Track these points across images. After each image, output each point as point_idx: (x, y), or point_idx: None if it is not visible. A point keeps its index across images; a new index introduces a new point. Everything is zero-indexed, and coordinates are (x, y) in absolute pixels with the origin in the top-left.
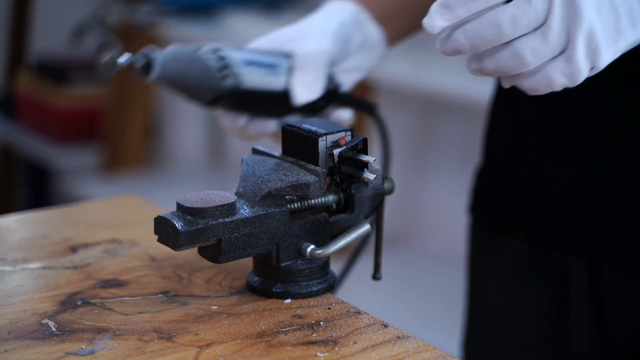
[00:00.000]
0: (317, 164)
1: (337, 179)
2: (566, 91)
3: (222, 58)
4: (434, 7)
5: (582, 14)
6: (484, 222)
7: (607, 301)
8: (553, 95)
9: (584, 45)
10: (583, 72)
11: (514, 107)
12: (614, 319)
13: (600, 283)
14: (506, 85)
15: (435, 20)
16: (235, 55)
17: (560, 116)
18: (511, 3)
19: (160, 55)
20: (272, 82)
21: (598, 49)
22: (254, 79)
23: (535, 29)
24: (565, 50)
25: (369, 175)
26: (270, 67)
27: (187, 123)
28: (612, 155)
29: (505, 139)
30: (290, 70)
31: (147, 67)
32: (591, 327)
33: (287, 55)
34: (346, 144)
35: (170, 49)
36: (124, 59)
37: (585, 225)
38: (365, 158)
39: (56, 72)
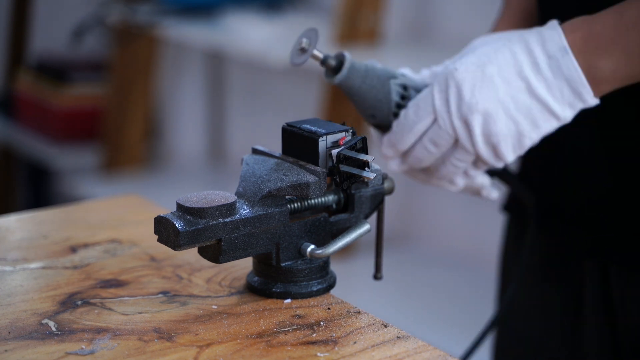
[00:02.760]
0: (317, 164)
1: (337, 179)
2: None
3: (404, 97)
4: (384, 142)
5: (474, 130)
6: (512, 221)
7: (617, 302)
8: (581, 119)
9: (486, 150)
10: (490, 161)
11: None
12: (621, 318)
13: (612, 284)
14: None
15: (386, 151)
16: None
17: (585, 140)
18: (429, 130)
19: (353, 64)
20: None
21: (498, 149)
22: None
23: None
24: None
25: (368, 174)
26: None
27: (187, 123)
28: (627, 174)
29: (539, 150)
30: None
31: (337, 69)
32: (603, 326)
33: None
34: (345, 143)
35: (369, 63)
36: (320, 52)
37: (598, 233)
38: (364, 157)
39: (56, 72)
